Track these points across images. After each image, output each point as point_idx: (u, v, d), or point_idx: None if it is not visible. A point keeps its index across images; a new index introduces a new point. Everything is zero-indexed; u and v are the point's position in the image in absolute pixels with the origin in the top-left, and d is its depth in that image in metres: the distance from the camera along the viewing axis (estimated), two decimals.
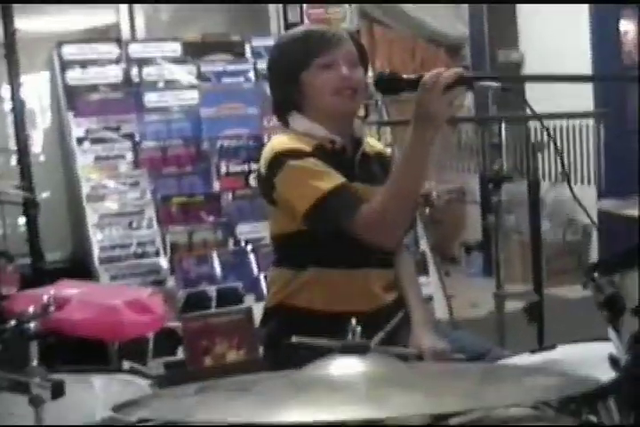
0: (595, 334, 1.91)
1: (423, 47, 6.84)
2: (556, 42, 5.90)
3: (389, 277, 2.29)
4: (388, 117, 4.92)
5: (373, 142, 2.42)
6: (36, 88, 4.73)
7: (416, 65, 6.95)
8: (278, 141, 2.19)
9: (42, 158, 4.77)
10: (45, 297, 1.81)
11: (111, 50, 4.48)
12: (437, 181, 6.12)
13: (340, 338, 1.34)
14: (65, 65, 4.38)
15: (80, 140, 4.27)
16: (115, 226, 4.15)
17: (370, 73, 2.37)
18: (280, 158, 2.11)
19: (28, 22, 4.44)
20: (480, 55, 6.51)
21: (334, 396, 1.20)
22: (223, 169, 4.40)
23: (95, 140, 4.29)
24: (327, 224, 2.07)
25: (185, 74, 4.58)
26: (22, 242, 4.24)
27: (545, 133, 2.13)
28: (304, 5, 4.99)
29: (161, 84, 4.52)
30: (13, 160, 4.38)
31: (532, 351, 2.01)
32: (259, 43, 4.75)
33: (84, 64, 4.39)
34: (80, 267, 4.25)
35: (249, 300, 4.12)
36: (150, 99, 4.44)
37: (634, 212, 2.56)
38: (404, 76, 2.00)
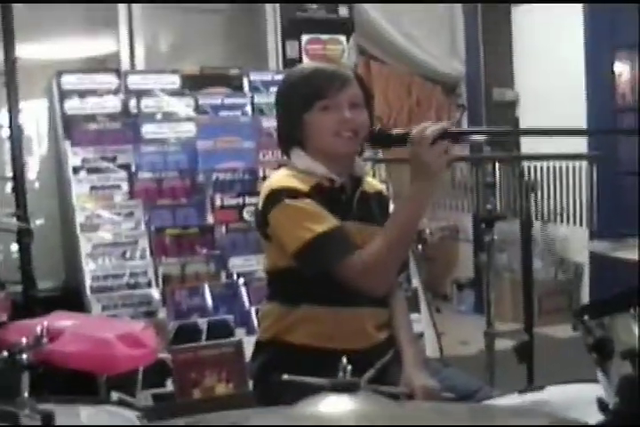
0: (584, 374, 1.91)
1: (419, 84, 6.90)
2: (551, 82, 5.96)
3: (382, 316, 2.29)
4: (383, 155, 4.95)
5: (373, 182, 2.44)
6: (35, 116, 4.76)
7: (412, 101, 7.01)
8: (277, 178, 2.20)
9: (37, 186, 4.79)
10: (39, 328, 1.82)
11: (110, 80, 4.51)
12: (431, 219, 6.15)
13: (331, 376, 1.34)
14: (64, 94, 4.39)
15: (76, 170, 4.27)
16: (108, 256, 4.15)
17: None
18: (276, 195, 2.12)
19: (28, 49, 4.47)
20: (475, 93, 6.56)
21: None
22: (218, 202, 4.41)
23: (91, 170, 4.30)
24: (316, 266, 2.08)
25: (183, 106, 4.61)
26: (15, 269, 4.24)
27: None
28: (302, 41, 5.05)
29: (159, 116, 4.54)
30: (8, 187, 4.38)
31: (521, 392, 2.01)
32: (257, 77, 4.78)
33: (82, 94, 4.41)
34: (72, 296, 4.24)
35: (239, 333, 4.11)
36: (148, 130, 4.47)
37: (624, 254, 2.58)
38: (394, 131, 2.07)
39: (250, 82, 4.80)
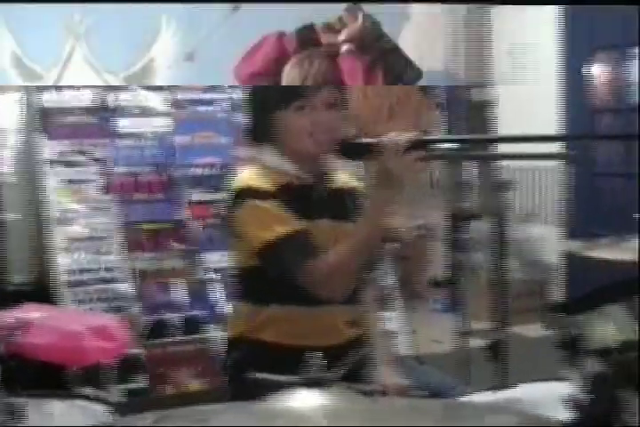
0: (555, 372, 1.92)
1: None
2: (529, 82, 5.98)
3: (354, 313, 2.27)
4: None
5: (346, 178, 2.40)
6: (10, 108, 4.72)
7: (392, 101, 6.99)
8: (245, 177, 2.16)
9: (10, 179, 4.74)
10: (11, 320, 1.80)
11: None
12: (406, 217, 6.16)
13: (303, 373, 1.34)
14: (41, 87, 4.37)
15: (51, 163, 4.25)
16: (82, 250, 4.13)
17: None
18: (242, 195, 2.09)
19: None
20: (453, 93, 6.57)
21: None
22: (194, 197, 4.40)
23: (66, 164, 4.28)
24: (278, 268, 2.06)
25: (160, 101, 4.59)
26: None
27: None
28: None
29: (136, 111, 4.52)
30: None
31: (494, 389, 2.02)
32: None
33: (59, 87, 4.39)
34: (45, 290, 4.21)
35: (213, 329, 4.10)
36: (124, 124, 4.45)
37: (598, 253, 2.60)
38: (364, 140, 2.02)
39: None
